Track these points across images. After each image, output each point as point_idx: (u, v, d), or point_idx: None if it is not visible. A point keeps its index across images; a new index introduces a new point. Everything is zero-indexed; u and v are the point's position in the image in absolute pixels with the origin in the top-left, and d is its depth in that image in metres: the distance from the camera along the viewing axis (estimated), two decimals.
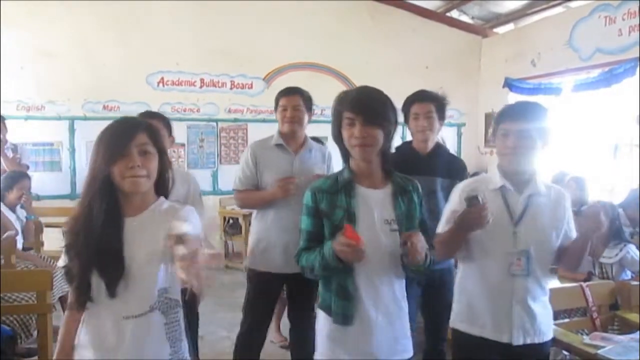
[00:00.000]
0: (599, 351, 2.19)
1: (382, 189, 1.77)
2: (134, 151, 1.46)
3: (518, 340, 1.91)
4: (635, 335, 2.37)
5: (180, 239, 1.24)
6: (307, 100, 2.78)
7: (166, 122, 2.69)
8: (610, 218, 1.86)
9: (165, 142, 2.56)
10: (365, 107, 1.69)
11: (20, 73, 6.15)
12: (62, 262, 1.55)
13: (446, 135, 7.45)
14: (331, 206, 1.72)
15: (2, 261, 3.43)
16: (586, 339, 2.36)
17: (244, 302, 2.82)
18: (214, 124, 6.92)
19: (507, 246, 1.92)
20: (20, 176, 4.26)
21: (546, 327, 1.99)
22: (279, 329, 3.96)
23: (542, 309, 1.98)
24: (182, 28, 6.59)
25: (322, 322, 1.80)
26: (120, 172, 1.44)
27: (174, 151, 6.80)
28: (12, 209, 4.11)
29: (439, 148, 2.78)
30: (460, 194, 1.98)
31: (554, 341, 2.42)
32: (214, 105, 6.87)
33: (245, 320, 2.78)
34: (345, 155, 1.79)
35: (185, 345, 1.58)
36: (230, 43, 6.75)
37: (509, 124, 1.89)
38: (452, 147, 7.54)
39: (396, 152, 2.81)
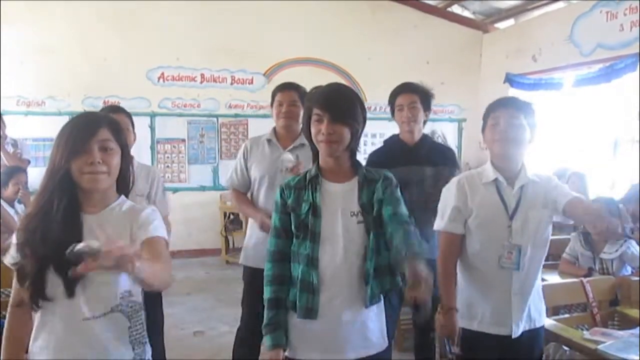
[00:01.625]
0: (599, 347, 2.18)
1: (348, 182, 1.78)
2: (95, 147, 1.43)
3: (517, 333, 1.95)
4: (636, 331, 2.37)
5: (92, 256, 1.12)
6: (303, 96, 2.79)
7: (130, 117, 2.67)
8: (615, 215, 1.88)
9: (129, 137, 2.53)
10: (333, 104, 1.70)
11: (20, 68, 6.15)
12: (10, 259, 1.49)
13: (447, 131, 7.46)
14: (298, 201, 1.76)
15: (2, 257, 3.43)
16: (586, 335, 2.36)
17: (242, 298, 2.85)
18: (215, 119, 6.91)
19: (502, 239, 1.94)
20: (15, 171, 4.24)
21: (539, 314, 2.05)
22: None
23: (537, 299, 2.04)
24: (182, 23, 6.58)
25: (289, 317, 1.78)
26: (79, 168, 1.41)
27: (175, 146, 6.81)
28: (11, 204, 4.10)
29: (426, 138, 2.82)
30: (457, 187, 2.01)
31: (554, 337, 2.42)
32: (214, 101, 6.87)
33: (242, 316, 2.82)
34: (315, 151, 1.81)
35: (148, 348, 1.56)
36: (230, 38, 6.73)
37: (500, 111, 1.94)
38: (452, 143, 7.53)
39: (384, 145, 2.85)
